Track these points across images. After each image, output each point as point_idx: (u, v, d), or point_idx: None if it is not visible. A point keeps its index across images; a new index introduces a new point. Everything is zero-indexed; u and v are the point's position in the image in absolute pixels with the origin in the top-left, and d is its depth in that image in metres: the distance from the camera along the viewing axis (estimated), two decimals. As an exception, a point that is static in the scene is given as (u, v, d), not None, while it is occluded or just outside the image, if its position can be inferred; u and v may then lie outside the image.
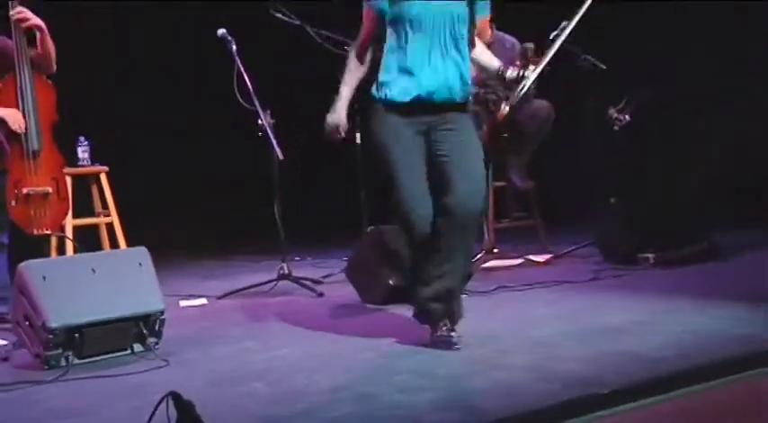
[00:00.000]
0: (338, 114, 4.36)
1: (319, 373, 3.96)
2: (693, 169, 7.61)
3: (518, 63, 4.67)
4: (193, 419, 2.97)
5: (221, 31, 5.94)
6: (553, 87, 6.70)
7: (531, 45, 5.03)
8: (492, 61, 4.56)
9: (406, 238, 4.28)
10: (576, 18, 4.84)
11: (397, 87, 4.21)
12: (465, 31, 4.27)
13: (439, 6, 4.21)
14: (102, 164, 6.47)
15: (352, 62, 4.36)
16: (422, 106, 4.21)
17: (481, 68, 4.60)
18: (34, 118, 5.45)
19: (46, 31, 5.40)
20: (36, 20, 5.40)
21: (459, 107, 4.30)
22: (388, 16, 4.24)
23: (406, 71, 4.20)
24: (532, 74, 4.53)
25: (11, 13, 5.38)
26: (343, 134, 4.41)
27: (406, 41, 4.20)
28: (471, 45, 4.34)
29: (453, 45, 4.23)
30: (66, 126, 5.79)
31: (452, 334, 4.24)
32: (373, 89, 4.30)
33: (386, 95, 4.23)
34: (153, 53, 8.54)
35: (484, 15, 4.55)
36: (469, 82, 4.32)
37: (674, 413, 3.50)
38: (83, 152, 6.35)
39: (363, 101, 4.46)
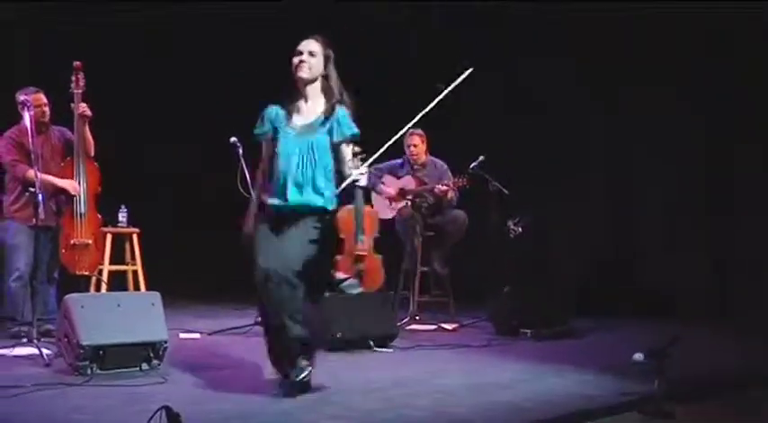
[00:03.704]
0: (248, 226, 4.06)
1: (276, 397, 3.92)
2: (562, 268, 7.69)
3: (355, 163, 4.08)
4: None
5: (233, 139, 5.80)
6: (468, 202, 6.85)
7: (357, 149, 4.21)
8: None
9: None
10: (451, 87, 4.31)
11: None
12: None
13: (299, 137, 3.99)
14: (136, 226, 6.43)
15: (260, 179, 4.15)
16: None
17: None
18: (83, 189, 5.48)
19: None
20: (89, 112, 5.45)
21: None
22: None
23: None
24: (357, 172, 4.00)
25: (77, 108, 5.42)
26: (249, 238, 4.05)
27: None
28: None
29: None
30: (112, 196, 5.81)
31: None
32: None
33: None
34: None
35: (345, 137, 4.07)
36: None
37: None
38: (122, 216, 6.32)
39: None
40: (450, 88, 4.07)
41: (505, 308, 6.26)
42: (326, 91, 4.07)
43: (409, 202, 6.81)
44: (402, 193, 6.95)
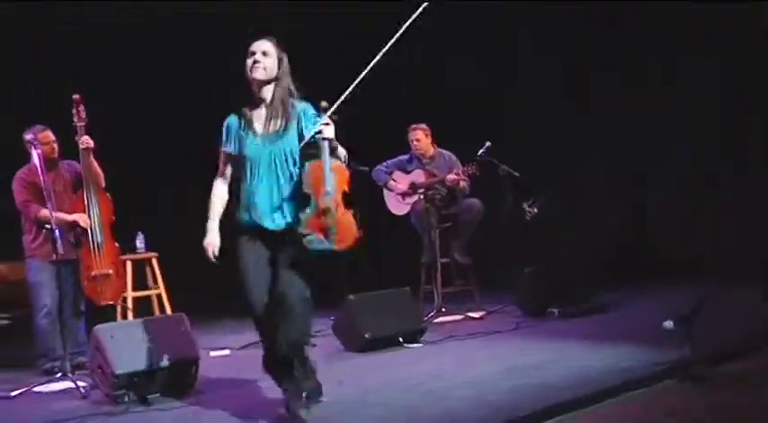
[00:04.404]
0: (211, 237, 3.96)
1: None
2: (583, 245, 7.68)
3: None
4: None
5: None
6: (481, 189, 6.84)
7: (324, 103, 4.03)
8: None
9: None
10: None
11: None
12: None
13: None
14: (153, 251, 6.46)
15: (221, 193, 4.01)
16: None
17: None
18: (98, 221, 5.50)
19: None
20: (92, 144, 5.47)
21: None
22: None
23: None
24: (319, 123, 3.80)
25: (81, 142, 5.45)
26: (216, 253, 3.95)
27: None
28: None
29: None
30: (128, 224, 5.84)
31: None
32: None
33: None
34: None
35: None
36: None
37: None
38: (140, 243, 6.34)
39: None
40: (406, 25, 3.84)
41: (530, 289, 6.28)
42: (281, 92, 3.91)
43: (422, 196, 6.80)
44: (413, 188, 6.95)
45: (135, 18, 7.66)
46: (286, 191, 3.87)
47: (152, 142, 8.00)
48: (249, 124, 3.92)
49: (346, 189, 3.75)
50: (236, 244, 3.92)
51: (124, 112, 7.71)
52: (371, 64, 3.81)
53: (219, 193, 4.00)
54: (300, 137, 3.90)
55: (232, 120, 3.98)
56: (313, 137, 3.79)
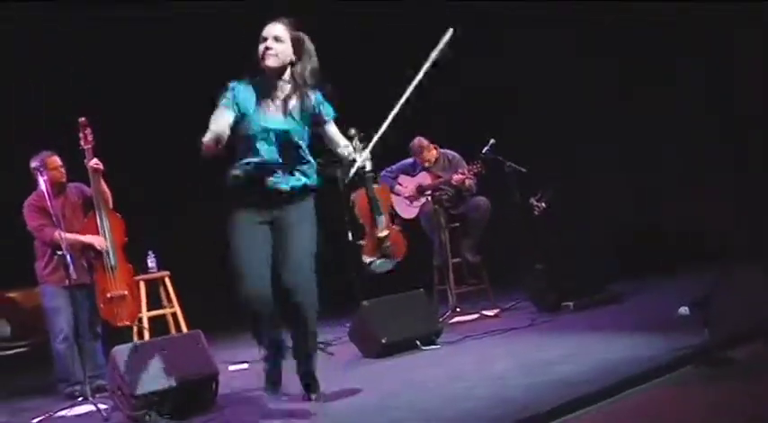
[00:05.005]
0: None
1: (329, 412, 3.94)
2: (592, 238, 7.66)
3: (354, 145, 4.00)
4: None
5: None
6: (488, 187, 6.83)
7: (353, 131, 4.29)
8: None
9: None
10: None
11: None
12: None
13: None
14: (165, 269, 6.47)
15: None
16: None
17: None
18: (110, 242, 5.52)
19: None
20: (101, 166, 5.49)
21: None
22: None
23: None
24: (360, 157, 3.87)
25: (90, 165, 5.46)
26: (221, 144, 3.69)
27: None
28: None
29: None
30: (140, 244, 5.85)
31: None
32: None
33: None
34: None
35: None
36: None
37: (600, 421, 3.48)
38: (151, 262, 6.37)
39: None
40: (436, 53, 3.80)
41: (542, 284, 6.26)
42: (298, 78, 3.76)
43: (429, 198, 6.81)
44: (420, 190, 6.95)
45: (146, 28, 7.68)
46: (299, 166, 3.78)
47: (155, 153, 8.03)
48: (258, 106, 3.74)
49: (391, 210, 3.85)
50: (237, 224, 3.78)
51: (132, 132, 7.73)
52: (404, 97, 3.75)
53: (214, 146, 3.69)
54: (315, 123, 3.80)
55: (238, 89, 3.77)
56: (357, 172, 3.80)
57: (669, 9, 6.88)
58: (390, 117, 3.74)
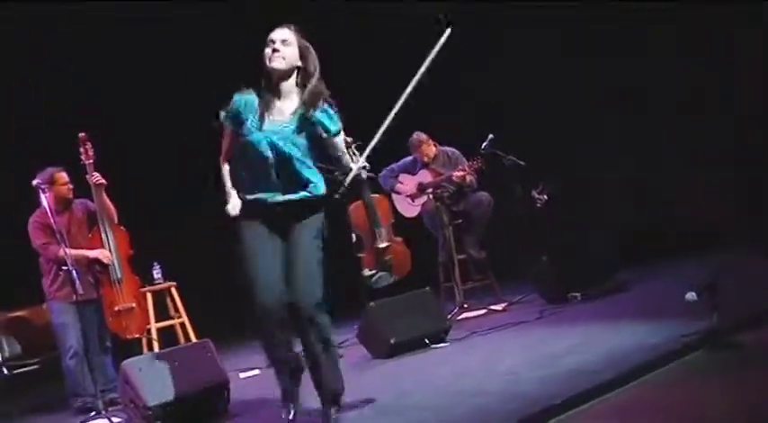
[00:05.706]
0: (232, 202, 3.78)
1: (343, 416, 3.92)
2: (595, 228, 7.65)
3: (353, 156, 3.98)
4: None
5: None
6: (489, 183, 6.82)
7: (349, 139, 4.20)
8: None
9: None
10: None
11: None
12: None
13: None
14: (172, 280, 6.47)
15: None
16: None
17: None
18: (115, 255, 5.53)
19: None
20: (103, 181, 5.50)
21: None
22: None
23: None
24: (356, 167, 3.81)
25: (92, 179, 5.47)
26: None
27: None
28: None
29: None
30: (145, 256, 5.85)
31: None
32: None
33: None
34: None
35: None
36: None
37: (612, 411, 3.48)
38: (157, 273, 6.37)
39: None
40: (432, 55, 3.64)
41: (549, 276, 6.25)
42: (303, 85, 3.72)
43: (431, 195, 6.80)
44: (421, 188, 6.95)
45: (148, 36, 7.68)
46: (303, 172, 3.73)
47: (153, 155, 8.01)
48: (260, 114, 3.71)
49: (392, 220, 3.73)
50: (245, 237, 3.74)
51: (135, 140, 7.74)
52: (400, 101, 3.69)
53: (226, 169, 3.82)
54: (317, 132, 3.74)
55: (240, 100, 3.75)
56: (353, 181, 3.71)
57: (669, 9, 6.88)
58: (387, 121, 3.71)
